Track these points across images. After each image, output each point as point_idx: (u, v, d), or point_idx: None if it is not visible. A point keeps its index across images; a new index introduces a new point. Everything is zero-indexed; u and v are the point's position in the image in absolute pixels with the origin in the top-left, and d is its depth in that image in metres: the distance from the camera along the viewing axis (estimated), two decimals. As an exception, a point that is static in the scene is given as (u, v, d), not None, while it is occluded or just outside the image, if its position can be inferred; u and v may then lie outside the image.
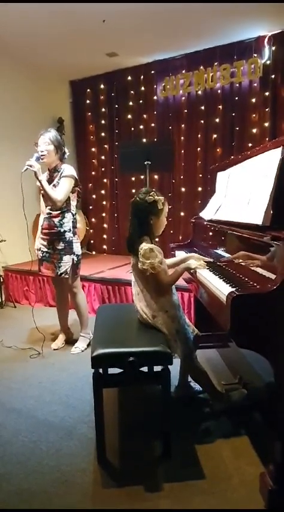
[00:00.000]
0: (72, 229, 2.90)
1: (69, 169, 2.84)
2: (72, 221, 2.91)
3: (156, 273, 1.87)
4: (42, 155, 2.75)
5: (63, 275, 2.89)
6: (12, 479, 1.70)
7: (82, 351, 3.02)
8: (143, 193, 1.96)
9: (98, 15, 3.51)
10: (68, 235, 2.88)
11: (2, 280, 4.47)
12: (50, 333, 3.36)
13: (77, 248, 2.95)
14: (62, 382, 2.57)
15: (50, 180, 2.83)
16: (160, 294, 1.95)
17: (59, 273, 2.88)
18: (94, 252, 5.60)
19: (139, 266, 1.89)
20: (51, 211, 2.85)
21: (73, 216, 2.92)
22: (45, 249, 2.91)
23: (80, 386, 2.48)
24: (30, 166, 2.66)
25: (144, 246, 1.88)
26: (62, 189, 2.79)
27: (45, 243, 2.91)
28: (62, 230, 2.85)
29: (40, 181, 2.71)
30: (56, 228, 2.85)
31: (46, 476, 1.71)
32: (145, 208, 1.93)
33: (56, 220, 2.84)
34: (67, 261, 2.88)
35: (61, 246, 2.86)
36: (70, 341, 3.18)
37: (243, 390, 2.12)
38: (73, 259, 2.91)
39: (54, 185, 2.81)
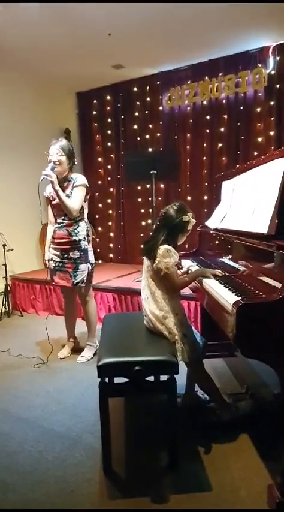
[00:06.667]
0: (86, 238, 2.91)
1: (81, 179, 2.85)
2: (86, 229, 2.92)
3: (170, 273, 1.90)
4: (55, 164, 2.74)
5: (79, 284, 2.88)
6: (17, 490, 1.70)
7: (89, 360, 3.01)
8: (179, 209, 2.02)
9: (104, 28, 3.57)
10: (83, 243, 2.87)
11: (9, 289, 4.50)
12: (57, 342, 3.36)
13: (91, 256, 2.96)
14: (68, 391, 2.57)
15: (61, 190, 2.83)
16: (171, 296, 1.97)
17: (75, 282, 2.86)
18: (100, 261, 5.62)
19: (154, 265, 1.92)
20: (64, 221, 2.85)
21: (86, 224, 2.93)
22: (58, 259, 2.88)
23: (86, 396, 2.48)
24: (47, 176, 2.67)
25: (162, 246, 1.92)
26: (76, 199, 2.79)
27: (57, 253, 2.89)
28: (77, 239, 2.85)
29: (57, 192, 2.70)
30: (70, 237, 2.84)
31: (51, 487, 1.70)
32: (178, 224, 1.99)
33: (70, 229, 2.84)
34: (83, 270, 2.88)
35: (77, 254, 2.85)
36: (76, 349, 3.19)
37: (250, 400, 2.10)
38: (88, 267, 2.91)
39: (67, 195, 2.79)
